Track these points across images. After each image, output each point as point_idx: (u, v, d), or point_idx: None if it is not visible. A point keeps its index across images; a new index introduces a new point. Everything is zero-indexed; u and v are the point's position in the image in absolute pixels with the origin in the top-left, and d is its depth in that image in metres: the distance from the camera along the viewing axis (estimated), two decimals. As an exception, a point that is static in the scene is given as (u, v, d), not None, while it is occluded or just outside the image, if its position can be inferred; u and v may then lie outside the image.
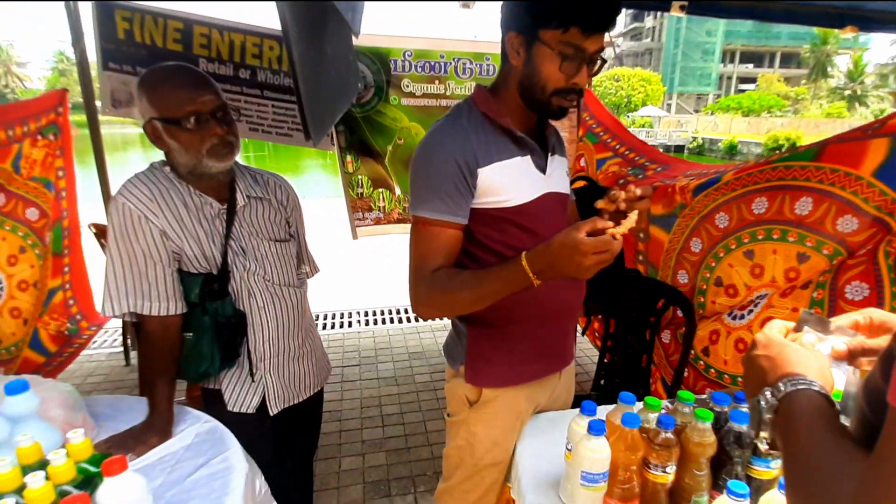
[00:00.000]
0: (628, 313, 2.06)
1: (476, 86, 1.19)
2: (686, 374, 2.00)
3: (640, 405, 1.07)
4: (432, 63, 3.07)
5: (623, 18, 59.19)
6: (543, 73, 1.05)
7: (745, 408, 1.02)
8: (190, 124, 1.21)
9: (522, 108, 1.14)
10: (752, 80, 50.90)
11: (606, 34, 1.08)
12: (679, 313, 2.11)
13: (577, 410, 1.07)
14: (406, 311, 4.38)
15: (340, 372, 3.29)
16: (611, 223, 0.90)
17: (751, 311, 1.79)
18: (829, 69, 43.00)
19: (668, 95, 46.79)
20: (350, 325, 4.15)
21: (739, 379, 1.74)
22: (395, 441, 2.63)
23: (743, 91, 46.48)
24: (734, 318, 1.85)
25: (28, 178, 2.42)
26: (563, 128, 2.97)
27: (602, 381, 2.16)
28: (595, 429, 0.94)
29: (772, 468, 0.98)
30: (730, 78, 53.37)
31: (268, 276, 1.41)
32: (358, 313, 4.38)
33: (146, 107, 1.22)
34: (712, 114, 37.44)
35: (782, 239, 1.62)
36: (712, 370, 1.85)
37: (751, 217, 1.69)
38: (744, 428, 0.98)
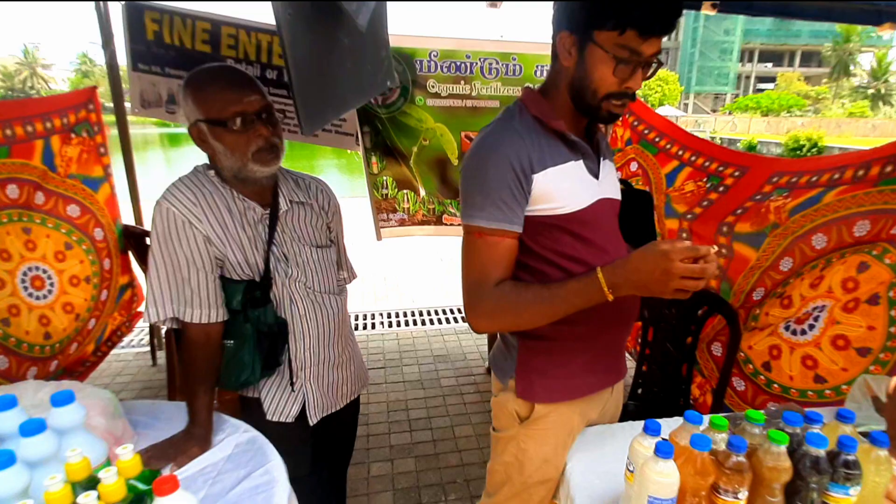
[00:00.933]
0: (668, 321, 2.00)
1: (525, 87, 1.15)
2: (744, 387, 1.94)
3: (704, 423, 1.01)
4: (458, 63, 3.03)
5: (639, 17, 58.34)
6: (596, 77, 1.00)
7: (818, 429, 0.96)
8: (236, 125, 1.19)
9: (573, 110, 1.09)
10: (772, 79, 50.18)
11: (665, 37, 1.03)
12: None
13: (633, 424, 1.02)
14: (430, 314, 4.36)
15: (365, 375, 3.27)
16: (712, 249, 0.87)
17: (812, 325, 1.72)
18: (851, 67, 42.26)
19: (686, 95, 46.29)
20: (374, 326, 4.14)
21: (810, 393, 1.69)
22: (423, 447, 2.59)
23: (762, 90, 45.81)
24: (793, 334, 1.78)
25: (65, 175, 2.45)
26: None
27: (639, 391, 2.11)
28: (663, 451, 0.88)
29: (850, 495, 0.92)
30: (748, 77, 52.69)
31: (309, 284, 1.38)
32: (381, 315, 4.36)
33: (191, 108, 1.19)
34: (730, 113, 36.93)
35: (858, 251, 1.56)
36: (776, 385, 1.79)
37: (850, 240, 1.61)
38: (822, 452, 0.91)
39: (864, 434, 0.98)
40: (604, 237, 1.14)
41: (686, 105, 47.09)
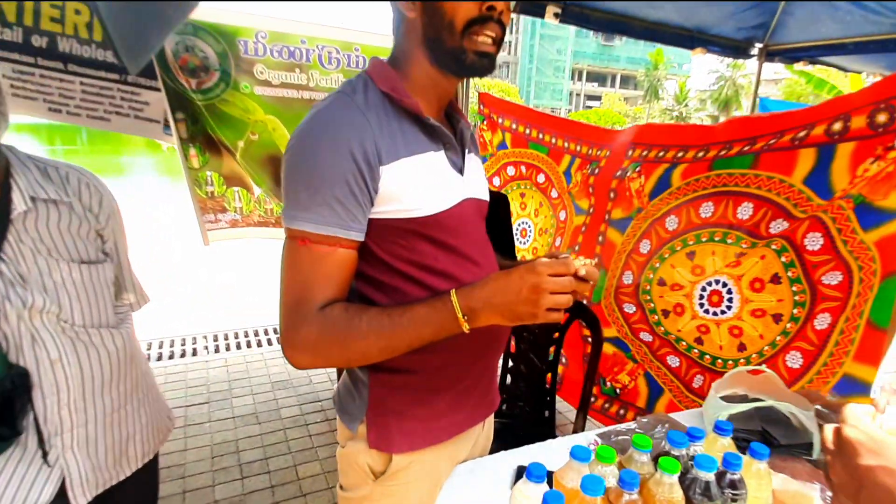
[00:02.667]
0: (531, 330, 1.86)
1: (373, 58, 0.90)
2: (678, 363, 1.96)
3: (591, 457, 0.82)
4: (291, 49, 2.65)
5: (483, 33, 61.96)
6: (447, 6, 0.81)
7: (701, 447, 0.89)
8: None
9: (433, 84, 0.88)
10: (598, 97, 56.20)
11: None
12: (629, 309, 2.04)
13: (506, 457, 0.96)
14: (267, 332, 3.84)
15: (183, 414, 2.71)
16: (590, 261, 0.78)
17: (729, 306, 1.79)
18: (660, 92, 48.90)
19: (526, 108, 49.70)
20: (195, 352, 3.51)
21: (741, 361, 1.77)
22: (259, 497, 2.17)
23: (590, 107, 51.03)
24: (714, 315, 1.84)
25: None
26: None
27: (504, 406, 1.93)
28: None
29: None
30: (578, 95, 58.39)
31: (65, 315, 0.99)
32: (205, 338, 3.73)
33: None
34: (565, 127, 40.47)
35: (722, 241, 1.71)
36: (707, 356, 1.86)
37: (698, 220, 1.74)
38: (711, 476, 0.78)
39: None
40: (471, 244, 0.93)
41: (527, 118, 50.53)
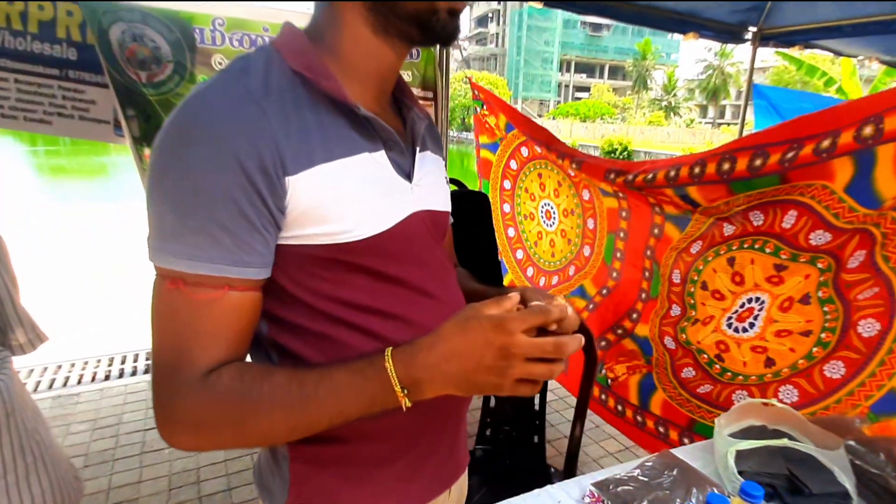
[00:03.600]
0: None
1: (285, 26, 0.66)
2: (693, 374, 1.80)
3: None
4: (253, 37, 2.43)
5: (468, 23, 62.02)
6: None
7: None
8: None
9: (371, 60, 0.66)
10: (587, 89, 56.04)
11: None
12: (675, 312, 1.86)
13: None
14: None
15: (141, 439, 2.47)
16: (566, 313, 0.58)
17: (752, 324, 1.62)
18: (648, 82, 48.85)
19: (514, 100, 49.46)
20: (121, 374, 3.10)
21: (767, 377, 1.61)
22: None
23: (579, 98, 50.81)
24: (735, 331, 1.67)
25: None
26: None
27: (488, 432, 1.75)
28: None
29: None
30: (567, 86, 58.14)
31: None
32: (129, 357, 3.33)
33: None
34: (554, 118, 40.31)
35: (761, 249, 1.54)
36: (728, 373, 1.71)
37: (751, 228, 1.56)
38: None
39: None
40: (423, 273, 0.71)
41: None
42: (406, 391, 0.57)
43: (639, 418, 1.94)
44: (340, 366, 0.59)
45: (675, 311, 1.81)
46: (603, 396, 2.08)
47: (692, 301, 1.77)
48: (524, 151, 2.45)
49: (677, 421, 1.82)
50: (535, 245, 2.54)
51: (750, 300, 1.62)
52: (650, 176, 1.69)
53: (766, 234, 1.52)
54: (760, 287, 1.58)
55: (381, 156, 0.66)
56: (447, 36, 0.65)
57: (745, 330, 1.64)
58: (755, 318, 1.61)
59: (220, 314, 0.57)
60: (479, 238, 2.07)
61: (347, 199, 0.61)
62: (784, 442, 1.06)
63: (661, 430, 1.87)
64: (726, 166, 1.47)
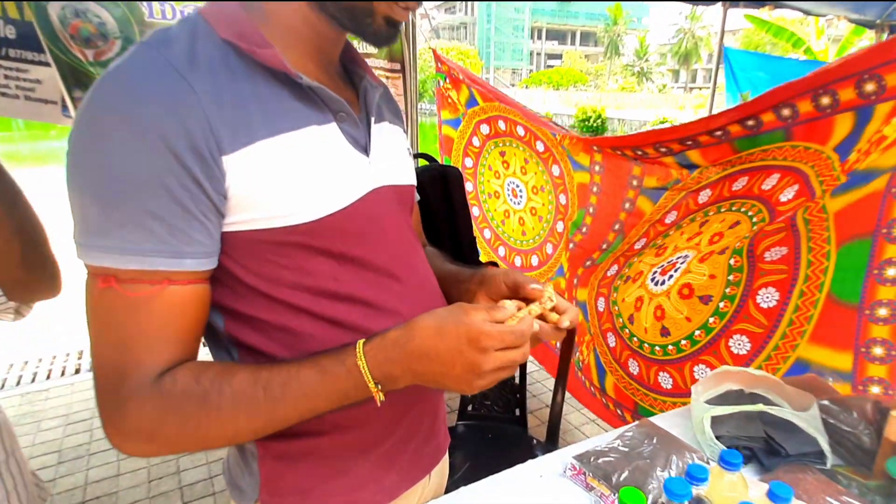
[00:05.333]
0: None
1: None
2: (615, 343, 1.81)
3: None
4: (209, 9, 2.31)
5: (438, -8, 60.69)
6: None
7: (705, 490, 0.64)
8: None
9: (311, 31, 0.61)
10: (559, 56, 55.64)
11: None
12: (611, 272, 1.86)
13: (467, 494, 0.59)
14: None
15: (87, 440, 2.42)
16: (527, 307, 0.60)
17: (671, 276, 1.61)
18: (620, 48, 48.67)
19: (486, 70, 48.90)
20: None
21: (657, 348, 1.63)
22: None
23: (551, 66, 50.49)
24: (656, 284, 1.65)
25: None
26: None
27: (470, 407, 1.74)
28: None
29: None
30: (539, 54, 57.61)
31: None
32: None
33: None
34: (527, 87, 40.02)
35: (738, 210, 1.48)
36: (635, 339, 1.70)
37: (727, 194, 1.52)
38: None
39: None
40: (388, 252, 0.67)
41: (488, 79, 49.47)
42: (379, 385, 0.55)
43: (603, 400, 1.96)
44: (308, 364, 0.56)
45: (612, 270, 1.80)
46: (580, 374, 2.08)
47: (633, 260, 1.75)
48: (484, 129, 2.41)
49: (627, 404, 1.84)
50: (503, 224, 2.51)
51: (680, 257, 1.60)
52: (641, 152, 1.65)
53: (745, 196, 1.49)
54: (699, 245, 1.55)
55: (331, 128, 0.61)
56: (383, 40, 0.61)
57: (661, 283, 1.63)
58: (676, 270, 1.60)
59: (161, 311, 0.53)
60: (454, 214, 2.03)
61: (296, 176, 0.56)
62: (759, 407, 1.06)
63: (619, 412, 1.89)
64: (719, 133, 1.43)
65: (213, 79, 0.53)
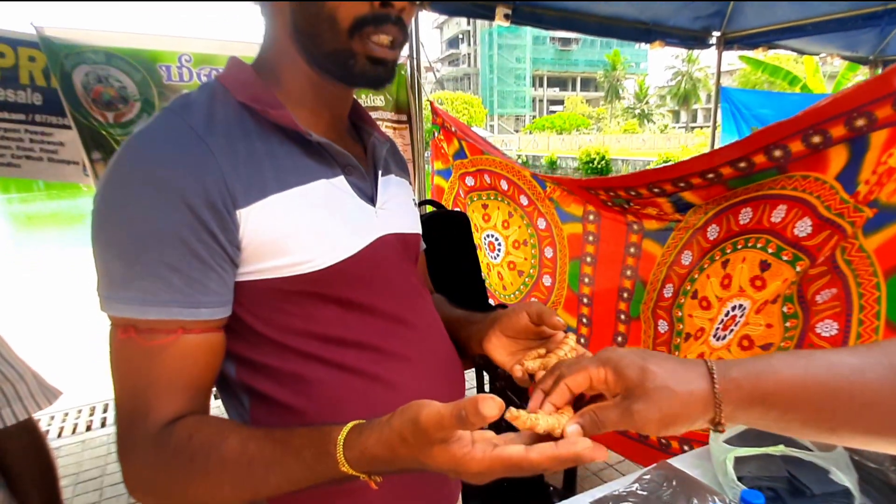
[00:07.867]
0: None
1: (230, 59, 0.66)
2: None
3: None
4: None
5: (439, 45, 63.06)
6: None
7: None
8: None
9: (316, 91, 0.65)
10: (561, 102, 57.00)
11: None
12: (662, 328, 1.83)
13: None
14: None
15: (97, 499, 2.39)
16: (525, 415, 0.52)
17: (732, 330, 1.58)
18: (620, 92, 49.83)
19: (490, 117, 50.10)
20: (103, 423, 2.96)
21: None
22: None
23: (554, 112, 51.65)
24: (717, 339, 1.62)
25: None
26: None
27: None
28: None
29: None
30: (541, 100, 59.12)
31: None
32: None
33: None
34: (530, 133, 40.83)
35: (753, 246, 1.50)
36: None
37: (736, 228, 1.53)
38: None
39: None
40: (394, 297, 0.68)
41: (492, 126, 50.82)
42: (355, 467, 0.50)
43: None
44: (293, 454, 0.52)
45: (663, 327, 1.79)
46: None
47: (679, 314, 1.74)
48: (469, 181, 2.46)
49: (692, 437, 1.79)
50: (487, 276, 2.52)
51: (734, 308, 1.59)
52: (635, 193, 1.67)
53: (755, 230, 1.50)
54: (745, 292, 1.55)
55: (339, 181, 0.64)
56: (375, 81, 0.62)
57: (722, 339, 1.60)
58: (736, 324, 1.59)
59: (174, 360, 0.54)
60: (462, 260, 2.05)
61: (306, 227, 0.59)
62: (780, 449, 1.04)
63: (664, 441, 1.84)
64: (711, 176, 1.48)
65: (229, 139, 0.57)
